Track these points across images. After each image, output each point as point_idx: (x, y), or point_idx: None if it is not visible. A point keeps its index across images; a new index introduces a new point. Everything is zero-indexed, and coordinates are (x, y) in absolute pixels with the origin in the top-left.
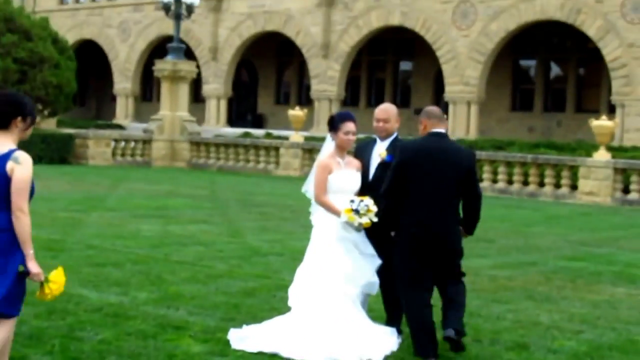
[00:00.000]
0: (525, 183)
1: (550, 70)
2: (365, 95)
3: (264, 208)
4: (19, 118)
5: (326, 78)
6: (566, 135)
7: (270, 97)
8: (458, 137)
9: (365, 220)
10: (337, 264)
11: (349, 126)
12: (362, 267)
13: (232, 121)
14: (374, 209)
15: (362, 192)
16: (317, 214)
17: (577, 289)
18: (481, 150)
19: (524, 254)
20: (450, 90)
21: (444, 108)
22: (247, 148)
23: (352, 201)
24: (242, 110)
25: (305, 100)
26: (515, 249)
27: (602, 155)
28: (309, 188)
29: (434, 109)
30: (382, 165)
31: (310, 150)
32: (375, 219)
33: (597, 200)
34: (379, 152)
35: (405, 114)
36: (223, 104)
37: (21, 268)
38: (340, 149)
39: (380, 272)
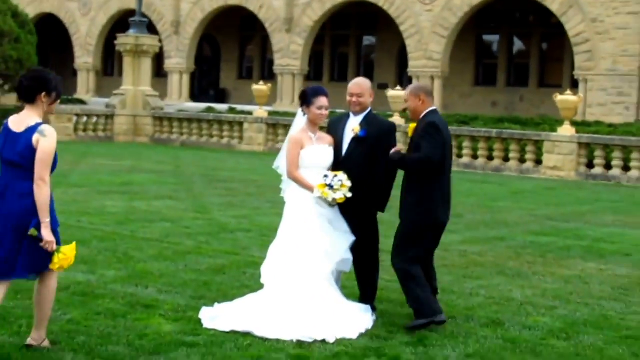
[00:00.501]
0: (490, 158)
1: (514, 45)
2: (329, 70)
3: (229, 184)
4: (44, 93)
5: (289, 53)
6: (529, 110)
7: (233, 71)
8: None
9: (339, 196)
10: (313, 240)
11: (322, 101)
12: (337, 243)
13: (194, 96)
14: (348, 184)
15: (335, 168)
16: (290, 190)
17: (547, 264)
18: None
19: (492, 229)
20: (414, 65)
21: (408, 83)
22: (211, 123)
23: (325, 176)
24: (204, 85)
25: (268, 75)
26: (484, 224)
27: (566, 130)
28: (280, 164)
29: (430, 87)
30: (356, 141)
31: (274, 125)
32: (349, 195)
33: (562, 174)
34: (352, 127)
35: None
36: (186, 79)
37: (34, 232)
38: (313, 124)
39: (354, 249)
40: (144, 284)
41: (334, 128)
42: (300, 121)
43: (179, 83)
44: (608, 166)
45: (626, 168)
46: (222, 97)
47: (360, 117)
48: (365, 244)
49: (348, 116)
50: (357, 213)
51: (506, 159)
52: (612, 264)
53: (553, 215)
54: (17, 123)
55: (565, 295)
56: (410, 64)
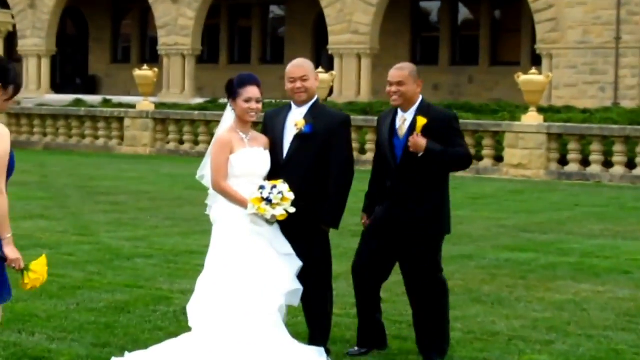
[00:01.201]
0: None
1: (458, 13)
2: (227, 49)
3: (114, 196)
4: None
5: (177, 28)
6: (480, 94)
7: (104, 54)
8: (347, 99)
9: (279, 212)
10: (251, 268)
11: (251, 91)
12: (281, 271)
13: (57, 86)
14: (290, 196)
15: (273, 176)
16: (217, 206)
17: (531, 287)
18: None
19: (454, 244)
20: (335, 40)
21: (328, 63)
22: (82, 120)
23: (261, 188)
24: (69, 71)
25: (151, 57)
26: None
27: (532, 118)
28: (205, 173)
29: None
30: (300, 139)
31: (164, 120)
32: (291, 210)
33: (528, 174)
34: (295, 121)
35: (278, 72)
36: (45, 64)
37: None
38: (242, 122)
39: (301, 277)
40: (28, 330)
41: (271, 124)
42: (228, 118)
43: (37, 70)
44: (585, 162)
45: (607, 164)
46: (91, 86)
47: (305, 109)
48: (315, 270)
49: (289, 108)
50: (303, 231)
51: None
52: (610, 285)
53: (526, 225)
54: None
55: (562, 325)
56: (330, 40)
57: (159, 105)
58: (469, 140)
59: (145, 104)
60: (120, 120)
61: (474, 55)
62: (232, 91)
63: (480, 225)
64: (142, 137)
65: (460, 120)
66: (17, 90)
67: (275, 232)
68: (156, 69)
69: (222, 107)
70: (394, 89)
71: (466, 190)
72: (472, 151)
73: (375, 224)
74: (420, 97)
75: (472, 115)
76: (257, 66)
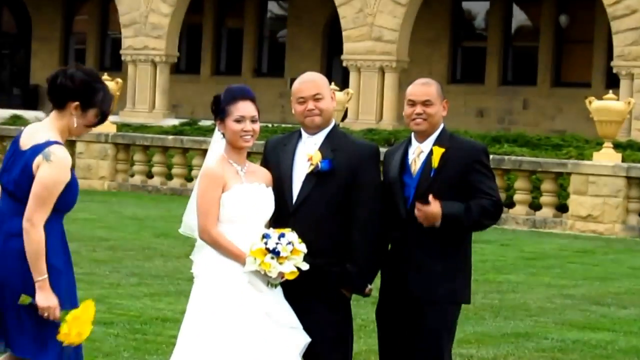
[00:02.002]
0: None
1: (512, 17)
2: (211, 56)
3: None
4: (77, 103)
5: (147, 28)
6: (538, 123)
7: (52, 58)
8: (365, 125)
9: (288, 269)
10: (238, 346)
11: (244, 108)
12: (280, 350)
13: None
14: (302, 248)
15: (278, 223)
16: (203, 260)
17: None
18: None
19: (506, 319)
20: (352, 49)
21: (342, 78)
22: None
23: (265, 236)
24: (4, 79)
25: (112, 63)
26: (492, 310)
27: (607, 157)
28: (189, 218)
29: None
30: (315, 178)
31: (127, 146)
32: (304, 266)
33: (600, 229)
34: (308, 153)
35: (277, 87)
36: None
37: (25, 299)
38: (236, 149)
39: (309, 358)
40: None
41: (274, 158)
42: (217, 146)
43: None
44: None
45: None
46: (33, 98)
47: (320, 137)
48: (329, 351)
49: (298, 137)
50: (316, 297)
51: (509, 202)
52: None
53: (599, 296)
54: (28, 136)
55: None
56: (345, 48)
57: (121, 127)
58: (523, 183)
59: (103, 124)
60: (71, 144)
61: (530, 72)
62: (220, 109)
63: (539, 295)
64: (98, 168)
65: (513, 157)
66: (101, 117)
67: (278, 298)
68: (119, 80)
69: (204, 131)
70: (418, 109)
71: (520, 249)
72: (528, 198)
73: (386, 300)
74: (442, 125)
75: (528, 150)
76: (250, 79)
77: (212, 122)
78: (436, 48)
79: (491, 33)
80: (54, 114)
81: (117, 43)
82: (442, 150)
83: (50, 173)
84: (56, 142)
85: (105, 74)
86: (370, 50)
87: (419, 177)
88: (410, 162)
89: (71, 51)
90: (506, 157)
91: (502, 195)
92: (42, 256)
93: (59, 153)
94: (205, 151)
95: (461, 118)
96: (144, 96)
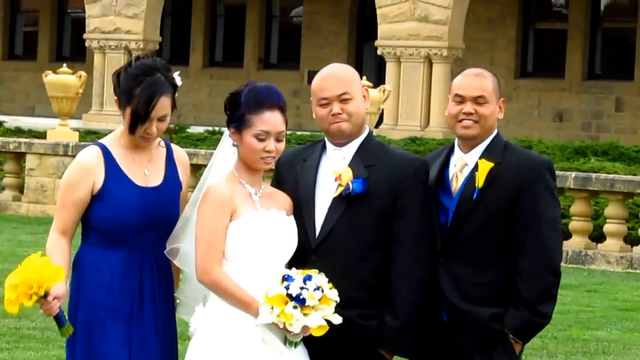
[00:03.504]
0: (564, 232)
1: None
2: (204, 42)
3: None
4: (116, 98)
5: (119, 4)
6: (636, 130)
7: None
8: (407, 132)
9: (316, 322)
10: None
11: (271, 120)
12: None
13: None
14: (334, 296)
15: (295, 262)
16: (201, 310)
17: None
18: None
19: None
20: (389, 32)
21: (376, 70)
22: None
23: (286, 278)
24: None
25: (73, 51)
26: None
27: None
28: (182, 246)
29: None
30: (345, 203)
31: None
32: (336, 320)
33: None
34: (335, 171)
35: (290, 83)
36: None
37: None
38: (249, 168)
39: None
40: None
41: (290, 177)
42: (224, 159)
43: None
44: None
45: None
46: None
47: (351, 150)
48: None
49: (322, 149)
50: (347, 358)
51: (598, 235)
52: None
53: None
54: None
55: None
56: (380, 32)
57: (85, 135)
58: (616, 210)
59: (62, 131)
60: (19, 157)
61: (626, 63)
62: (237, 116)
63: (638, 357)
64: (55, 188)
65: (603, 175)
66: (134, 117)
67: (297, 357)
68: (82, 73)
69: (194, 141)
70: (468, 108)
71: (613, 296)
72: (622, 229)
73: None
74: (496, 131)
75: (623, 166)
76: (255, 72)
77: (206, 128)
78: (500, 31)
79: (573, 11)
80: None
81: (79, 24)
82: (491, 165)
83: (66, 174)
84: (95, 144)
85: (64, 65)
86: (414, 33)
87: (458, 198)
88: (450, 178)
89: (18, 34)
90: (594, 176)
91: (589, 226)
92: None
93: (80, 153)
94: (199, 167)
95: (534, 123)
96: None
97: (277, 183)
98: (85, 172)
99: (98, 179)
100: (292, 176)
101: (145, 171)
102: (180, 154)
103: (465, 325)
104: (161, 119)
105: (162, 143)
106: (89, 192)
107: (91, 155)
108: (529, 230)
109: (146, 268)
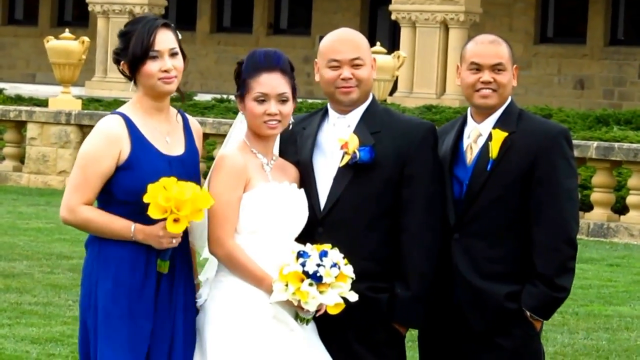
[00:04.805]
0: (585, 204)
1: None
2: (212, 5)
3: (8, 264)
4: (122, 62)
5: None
6: None
7: None
8: (423, 100)
9: (333, 300)
10: None
11: (268, 82)
12: None
13: None
14: (350, 272)
15: (305, 233)
16: (218, 285)
17: None
18: None
19: None
20: None
21: (390, 36)
22: None
23: (301, 255)
24: None
25: (76, 15)
26: (596, 353)
27: None
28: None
29: None
30: (352, 172)
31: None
32: (353, 298)
33: None
34: (340, 138)
35: (301, 49)
36: None
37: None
38: (258, 137)
39: None
40: None
41: (291, 145)
42: (238, 129)
43: None
44: None
45: None
46: None
47: (355, 117)
48: None
49: (323, 115)
50: (359, 336)
51: (621, 207)
52: None
53: None
54: None
55: None
56: None
57: (88, 103)
58: (639, 180)
59: (64, 99)
60: (20, 126)
61: None
62: (240, 83)
63: None
64: (57, 159)
65: (626, 145)
66: (132, 61)
67: (313, 340)
68: (85, 38)
69: (201, 109)
70: (486, 76)
71: (636, 270)
72: None
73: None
74: (510, 99)
75: None
76: (264, 37)
77: (213, 96)
78: None
79: None
80: None
81: None
82: (505, 134)
83: (84, 144)
84: (114, 113)
85: (66, 30)
86: None
87: (472, 170)
88: (465, 149)
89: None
90: (616, 145)
91: (611, 197)
92: (109, 224)
93: (102, 122)
94: (207, 137)
95: (554, 90)
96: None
97: (281, 153)
98: (111, 141)
99: (124, 148)
100: (293, 146)
101: (167, 139)
102: (195, 124)
103: (480, 305)
104: (172, 55)
105: (179, 115)
106: (115, 163)
107: (115, 124)
108: (545, 201)
109: None
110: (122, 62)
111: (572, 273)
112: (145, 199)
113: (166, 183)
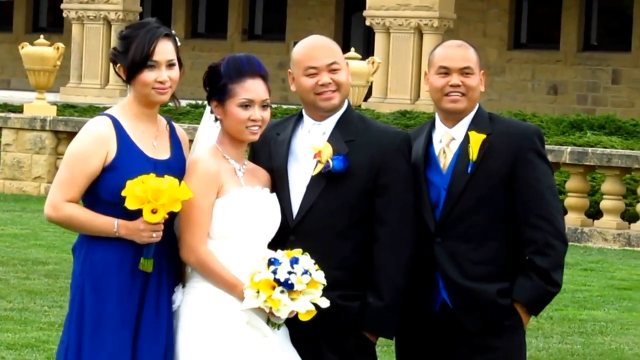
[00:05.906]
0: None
1: None
2: (186, 12)
3: None
4: (119, 65)
5: None
6: (634, 103)
7: None
8: (397, 105)
9: (304, 307)
10: None
11: (253, 89)
12: None
13: None
14: (321, 278)
15: (277, 240)
16: (190, 292)
17: None
18: None
19: None
20: (378, 2)
21: (365, 42)
22: None
23: (272, 262)
24: None
25: (50, 21)
26: (570, 358)
27: None
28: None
29: None
30: (324, 181)
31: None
32: (324, 304)
33: None
34: (314, 146)
35: (276, 55)
36: None
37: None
38: (234, 141)
39: None
40: None
41: (264, 151)
42: (207, 132)
43: None
44: None
45: None
46: None
47: (330, 124)
48: None
49: (297, 121)
50: (329, 345)
51: (595, 212)
52: None
53: None
54: None
55: None
56: (368, 1)
57: (63, 109)
58: (613, 186)
59: (39, 105)
60: None
61: (623, 33)
62: (218, 87)
63: (636, 338)
64: (32, 165)
65: (600, 150)
66: (130, 68)
67: (285, 345)
68: (60, 45)
69: (175, 114)
70: (455, 80)
71: (610, 275)
72: (620, 205)
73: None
74: (478, 104)
75: (620, 140)
76: (239, 43)
77: (188, 102)
78: (493, 0)
79: None
80: None
81: None
82: (483, 136)
83: (72, 143)
84: (102, 114)
85: (41, 36)
86: (403, 3)
87: (451, 174)
88: (437, 154)
89: None
90: (590, 150)
91: (585, 202)
92: (92, 220)
93: (90, 123)
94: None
95: (528, 95)
96: (94, 67)
97: (253, 158)
98: (99, 142)
99: (112, 149)
100: (266, 151)
101: (154, 143)
102: (182, 132)
103: (471, 305)
104: (170, 66)
105: (167, 124)
106: (102, 163)
107: (103, 125)
108: (531, 200)
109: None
110: (118, 65)
111: (563, 269)
112: (123, 192)
113: (144, 178)
